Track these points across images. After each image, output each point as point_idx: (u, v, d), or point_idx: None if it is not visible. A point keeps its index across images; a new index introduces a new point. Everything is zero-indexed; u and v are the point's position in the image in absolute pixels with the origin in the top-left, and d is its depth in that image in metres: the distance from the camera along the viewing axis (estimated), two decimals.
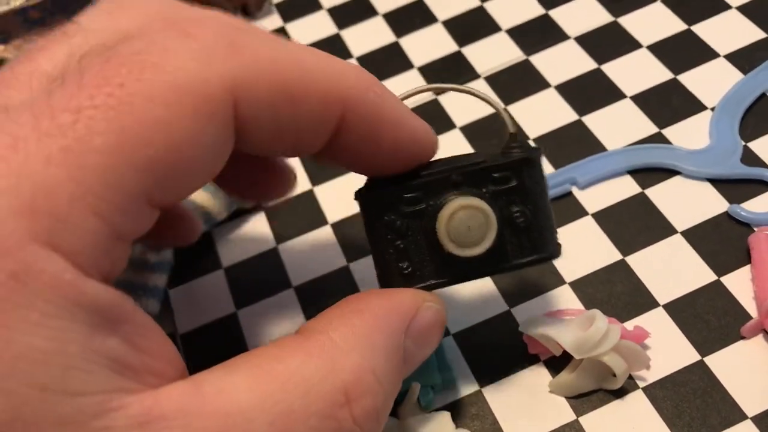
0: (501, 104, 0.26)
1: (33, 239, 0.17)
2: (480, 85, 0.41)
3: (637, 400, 0.29)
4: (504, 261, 0.25)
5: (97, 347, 0.17)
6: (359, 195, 0.25)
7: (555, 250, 0.26)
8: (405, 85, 0.42)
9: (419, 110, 0.40)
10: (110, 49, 0.19)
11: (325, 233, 0.36)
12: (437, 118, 0.40)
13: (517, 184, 0.24)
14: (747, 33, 0.40)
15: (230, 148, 0.21)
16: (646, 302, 0.31)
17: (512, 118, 0.25)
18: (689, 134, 0.36)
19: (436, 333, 0.24)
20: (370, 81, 0.23)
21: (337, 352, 0.20)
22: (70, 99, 0.18)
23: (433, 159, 0.25)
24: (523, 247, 0.25)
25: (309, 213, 0.37)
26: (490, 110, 0.39)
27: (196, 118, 0.19)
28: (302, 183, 0.38)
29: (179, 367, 0.19)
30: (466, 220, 0.24)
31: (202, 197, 0.36)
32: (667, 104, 0.38)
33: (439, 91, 0.26)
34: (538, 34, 0.43)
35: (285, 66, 0.20)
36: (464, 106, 0.40)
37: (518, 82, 0.41)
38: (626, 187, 0.35)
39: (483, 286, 0.33)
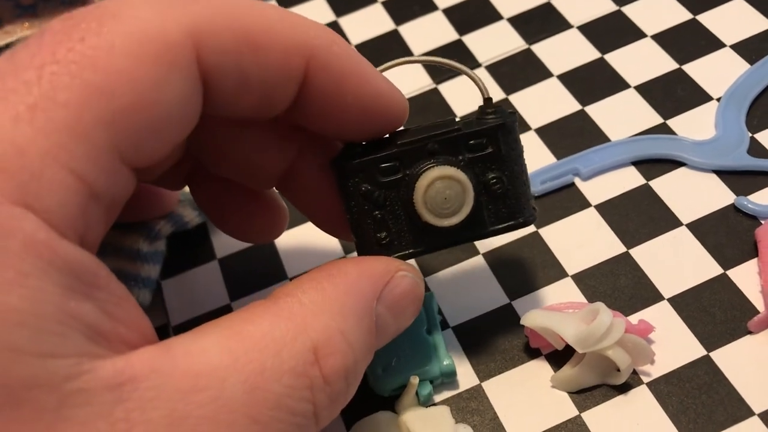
0: (469, 70, 0.26)
1: (5, 198, 0.16)
2: (481, 74, 0.40)
3: (642, 395, 0.28)
4: (481, 227, 0.25)
5: (71, 310, 0.17)
6: (335, 164, 0.25)
7: (531, 216, 0.26)
8: (404, 74, 0.41)
9: (419, 99, 0.39)
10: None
11: None
12: (437, 107, 0.39)
13: (493, 151, 0.24)
14: (753, 23, 0.39)
15: (199, 102, 0.20)
16: (651, 296, 0.30)
17: (484, 85, 0.25)
18: (695, 125, 0.36)
19: (410, 303, 0.24)
20: (334, 35, 0.23)
21: (307, 314, 0.20)
22: (33, 57, 0.18)
23: (407, 127, 0.25)
24: (500, 213, 0.25)
25: None
26: None
27: (158, 66, 0.18)
28: None
29: (152, 341, 0.19)
30: (443, 190, 0.24)
31: None
32: (673, 95, 0.37)
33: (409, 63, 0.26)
34: (540, 22, 0.42)
35: (245, 15, 0.20)
36: (464, 95, 0.39)
37: (520, 71, 0.40)
38: (630, 179, 0.34)
39: (483, 278, 0.32)
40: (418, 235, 0.25)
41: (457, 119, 0.25)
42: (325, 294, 0.21)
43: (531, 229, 0.33)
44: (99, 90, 0.18)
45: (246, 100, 0.22)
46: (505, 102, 0.38)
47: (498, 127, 0.24)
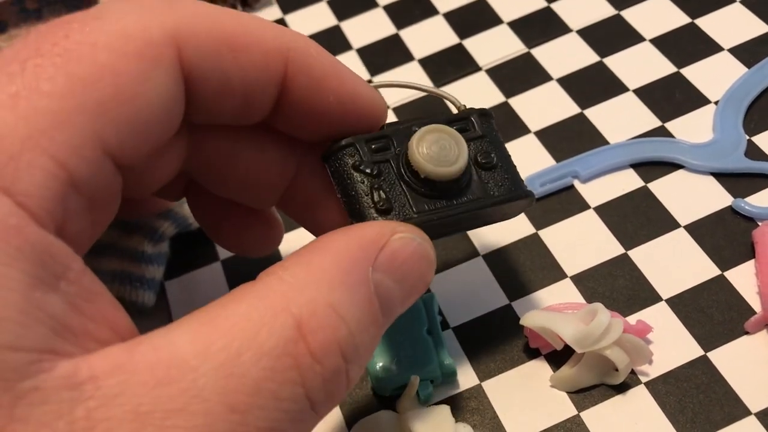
0: (457, 100, 0.27)
1: None
2: (481, 78, 0.40)
3: (640, 395, 0.28)
4: (487, 197, 0.25)
5: (36, 301, 0.16)
6: (326, 152, 0.24)
7: (531, 193, 0.26)
8: (406, 77, 0.41)
9: (415, 106, 0.40)
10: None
11: None
12: (439, 111, 0.39)
13: (482, 133, 0.25)
14: (751, 26, 0.39)
15: (181, 101, 0.21)
16: (649, 296, 0.31)
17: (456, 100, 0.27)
18: (693, 128, 0.36)
19: (415, 265, 0.22)
20: (310, 41, 0.23)
21: (289, 290, 0.19)
22: (18, 53, 0.18)
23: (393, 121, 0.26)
24: (502, 184, 0.25)
25: None
26: (490, 103, 0.39)
27: (140, 61, 0.19)
28: None
29: (128, 339, 0.18)
30: (436, 140, 0.24)
31: None
32: (671, 98, 0.37)
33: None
34: (540, 26, 0.42)
35: (225, 20, 0.21)
36: (464, 100, 0.39)
37: (520, 75, 0.40)
38: (629, 181, 0.35)
39: (483, 279, 0.32)
40: (419, 202, 0.24)
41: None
42: (310, 267, 0.19)
43: (530, 230, 0.34)
44: (82, 80, 0.18)
45: (228, 102, 0.22)
46: (505, 105, 0.39)
47: (478, 112, 0.26)
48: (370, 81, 0.27)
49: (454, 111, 0.27)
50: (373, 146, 0.24)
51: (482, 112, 0.26)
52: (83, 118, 0.18)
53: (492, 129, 0.26)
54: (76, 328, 0.17)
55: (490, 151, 0.25)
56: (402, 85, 0.28)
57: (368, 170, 0.24)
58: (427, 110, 0.39)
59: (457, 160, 0.24)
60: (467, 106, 0.27)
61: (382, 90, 0.40)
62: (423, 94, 0.40)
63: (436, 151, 0.24)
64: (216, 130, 0.25)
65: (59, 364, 0.16)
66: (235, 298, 0.19)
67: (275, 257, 0.35)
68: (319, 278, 0.19)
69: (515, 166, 0.26)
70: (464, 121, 0.25)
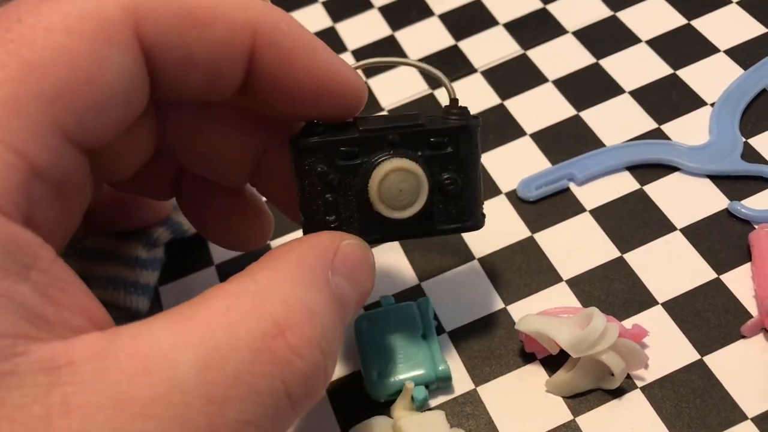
0: (439, 72, 0.26)
1: None
2: (477, 80, 0.40)
3: (636, 400, 0.28)
4: (429, 225, 0.25)
5: (4, 290, 0.16)
6: (293, 142, 0.24)
7: (479, 221, 0.26)
8: (401, 79, 0.41)
9: (414, 105, 0.40)
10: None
11: None
12: (434, 113, 0.39)
13: (453, 152, 0.25)
14: (747, 28, 0.39)
15: (143, 79, 0.20)
16: (645, 300, 0.31)
17: (452, 86, 0.25)
18: (689, 130, 0.36)
19: (363, 268, 0.23)
20: (283, 14, 0.22)
21: (263, 290, 0.19)
22: None
23: (372, 115, 0.25)
24: (450, 214, 0.25)
25: None
26: (485, 105, 0.39)
27: (97, 42, 0.18)
28: None
29: (104, 328, 0.18)
30: (398, 182, 0.24)
31: None
32: (667, 100, 0.37)
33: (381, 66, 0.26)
34: (535, 28, 0.42)
35: None
36: (460, 101, 0.39)
37: (515, 76, 0.40)
38: (625, 184, 0.34)
39: (478, 283, 0.32)
40: (366, 224, 0.25)
41: (423, 115, 0.25)
42: (278, 270, 0.20)
43: (526, 233, 0.34)
44: (37, 66, 0.17)
45: (193, 79, 0.21)
46: (501, 107, 0.39)
47: (460, 129, 0.24)
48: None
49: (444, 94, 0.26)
50: (342, 149, 0.24)
51: (465, 128, 0.25)
52: (40, 105, 0.17)
53: (471, 145, 0.25)
54: (50, 316, 0.17)
55: (458, 176, 0.25)
56: (387, 62, 0.27)
57: (330, 180, 0.24)
58: (425, 112, 0.39)
59: (413, 204, 0.24)
60: (457, 97, 0.25)
61: (382, 90, 0.40)
62: (421, 94, 0.40)
63: (394, 194, 0.24)
64: (185, 107, 0.24)
65: (34, 348, 0.16)
66: (211, 295, 0.19)
67: None
68: (288, 280, 0.20)
69: (479, 189, 0.26)
70: (445, 135, 0.25)
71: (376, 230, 0.25)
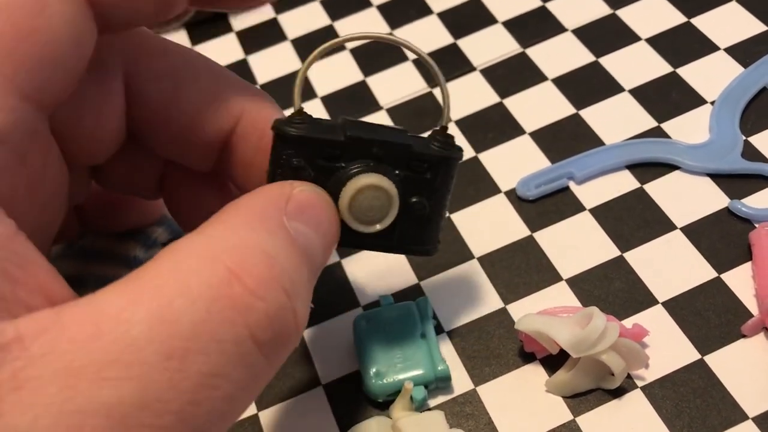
0: (446, 89, 0.25)
1: None
2: (476, 78, 0.40)
3: (636, 399, 0.28)
4: (388, 242, 0.25)
5: None
6: (278, 128, 0.23)
7: (434, 248, 0.26)
8: (400, 78, 0.41)
9: (413, 104, 0.40)
10: None
11: None
12: (432, 112, 0.39)
13: (430, 178, 0.25)
14: (747, 26, 0.39)
15: (88, 16, 0.19)
16: (645, 299, 0.30)
17: (449, 110, 0.25)
18: (689, 128, 0.36)
19: (320, 210, 0.22)
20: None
21: (213, 241, 0.18)
22: None
23: (362, 120, 0.25)
24: (409, 235, 0.25)
25: None
26: (484, 104, 0.39)
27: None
28: None
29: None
30: (371, 198, 0.23)
31: None
32: (667, 98, 0.37)
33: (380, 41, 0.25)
34: (535, 26, 0.42)
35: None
36: (458, 100, 0.39)
37: (515, 74, 0.40)
38: (625, 182, 0.34)
39: (478, 282, 0.32)
40: None
41: (410, 134, 0.25)
42: (228, 223, 0.19)
43: (526, 232, 0.33)
44: None
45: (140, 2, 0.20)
46: (500, 106, 0.38)
47: (443, 159, 0.24)
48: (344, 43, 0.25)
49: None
50: (325, 150, 0.23)
51: (447, 159, 0.25)
52: None
53: (448, 177, 0.25)
54: (6, 294, 0.16)
55: (428, 201, 0.25)
56: (364, 37, 0.25)
57: (304, 176, 0.23)
58: (423, 110, 0.39)
59: (380, 222, 0.24)
60: (447, 125, 0.25)
61: (380, 88, 0.40)
62: (418, 94, 0.40)
63: (364, 209, 0.23)
64: (152, 82, 0.24)
65: None
66: (161, 257, 0.18)
67: None
68: (240, 228, 0.19)
69: (443, 218, 0.26)
70: (426, 162, 0.24)
71: (343, 235, 0.24)
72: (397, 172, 0.24)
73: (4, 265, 0.16)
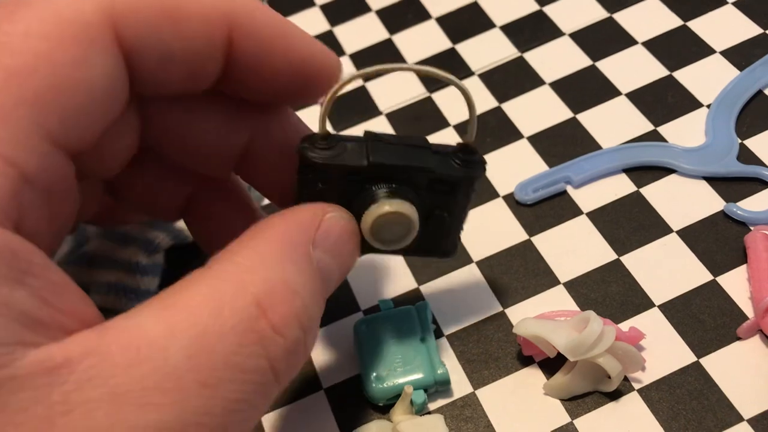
0: (472, 102, 0.25)
1: None
2: (474, 83, 0.40)
3: (633, 402, 0.28)
4: (407, 249, 0.26)
5: (3, 297, 0.16)
6: (302, 153, 0.24)
7: (453, 251, 0.27)
8: (398, 82, 0.41)
9: (412, 108, 0.40)
10: None
11: None
12: (431, 116, 0.39)
13: (450, 195, 0.25)
14: (743, 29, 0.39)
15: (124, 79, 0.20)
16: (642, 303, 0.31)
17: (475, 126, 0.25)
18: (685, 132, 0.36)
19: (347, 241, 0.23)
20: (255, 3, 0.23)
21: (244, 271, 0.20)
22: None
23: (385, 134, 0.25)
24: (430, 243, 0.26)
25: None
26: (482, 108, 0.39)
27: (76, 46, 0.19)
28: None
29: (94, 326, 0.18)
30: (392, 223, 0.24)
31: None
32: (663, 101, 0.37)
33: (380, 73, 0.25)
34: (532, 30, 0.42)
35: None
36: (458, 104, 0.39)
37: (512, 79, 0.40)
38: (621, 186, 0.35)
39: (477, 286, 0.33)
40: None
41: (432, 148, 0.25)
42: (258, 250, 0.20)
43: (523, 236, 0.34)
44: (18, 72, 0.18)
45: (173, 74, 0.21)
46: (498, 110, 0.39)
47: (465, 179, 0.25)
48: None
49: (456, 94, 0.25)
50: (347, 177, 0.24)
51: (471, 177, 0.25)
52: (24, 111, 0.18)
53: (470, 191, 0.26)
54: (46, 320, 0.17)
55: (450, 215, 0.26)
56: (393, 69, 0.26)
57: (328, 198, 0.24)
58: (422, 115, 0.39)
59: (401, 242, 0.25)
60: (472, 140, 0.25)
61: (380, 94, 0.40)
62: (419, 98, 0.40)
63: (386, 233, 0.24)
64: (167, 101, 0.24)
65: (32, 352, 0.16)
66: (193, 281, 0.19)
67: None
68: (268, 259, 0.20)
69: (462, 226, 0.27)
70: (451, 185, 0.25)
71: (362, 247, 0.25)
72: (418, 191, 0.25)
73: (43, 294, 0.17)
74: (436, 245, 0.27)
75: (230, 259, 0.20)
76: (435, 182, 0.25)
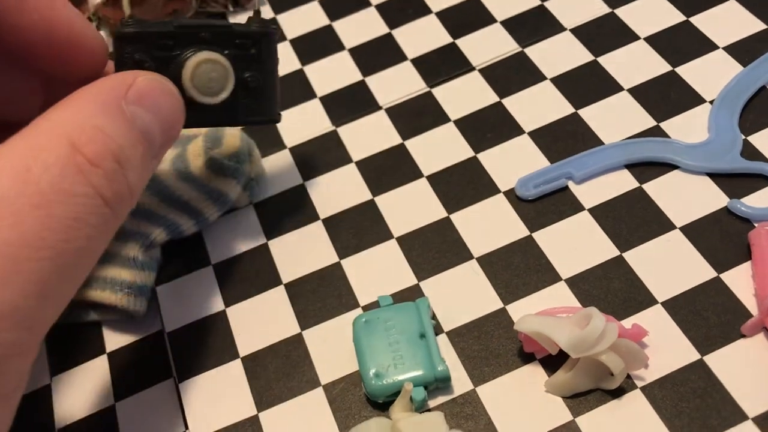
0: None
1: None
2: (475, 78, 0.40)
3: (636, 400, 0.28)
4: (236, 115, 0.30)
5: None
6: (116, 30, 0.28)
7: (277, 116, 0.31)
8: (399, 77, 0.41)
9: (412, 103, 0.39)
10: None
11: (315, 229, 0.35)
12: (431, 110, 0.39)
13: (255, 53, 0.29)
14: (746, 24, 0.39)
15: None
16: (645, 299, 0.30)
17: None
18: (688, 128, 0.36)
19: (159, 96, 0.26)
20: None
21: (57, 123, 0.22)
22: None
23: (185, 17, 0.30)
24: (253, 108, 0.30)
25: (299, 208, 0.36)
26: (483, 104, 0.39)
27: None
28: (293, 178, 0.38)
29: None
30: (209, 71, 0.28)
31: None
32: (666, 97, 0.37)
33: None
34: (533, 25, 0.42)
35: None
36: (458, 100, 0.39)
37: (513, 74, 0.40)
38: (624, 182, 0.34)
39: (477, 282, 0.32)
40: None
41: (232, 23, 0.29)
42: (70, 107, 0.23)
43: (525, 233, 0.33)
44: None
45: None
46: (499, 105, 0.38)
47: (263, 34, 0.29)
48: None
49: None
50: (157, 42, 0.27)
51: (266, 34, 0.29)
52: None
53: (271, 50, 0.30)
54: None
55: (259, 75, 0.29)
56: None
57: (147, 67, 0.27)
58: (423, 110, 0.39)
59: (222, 92, 0.28)
60: (259, 9, 0.31)
61: (380, 88, 0.40)
62: (417, 94, 0.40)
63: (205, 81, 0.28)
64: None
65: None
66: (15, 137, 0.22)
67: (270, 263, 0.35)
68: (80, 111, 0.23)
69: (277, 91, 0.31)
70: (249, 37, 0.29)
71: (190, 116, 0.28)
72: (225, 51, 0.28)
73: None
74: (258, 110, 0.30)
75: (46, 117, 0.23)
76: (238, 42, 0.29)
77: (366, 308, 0.32)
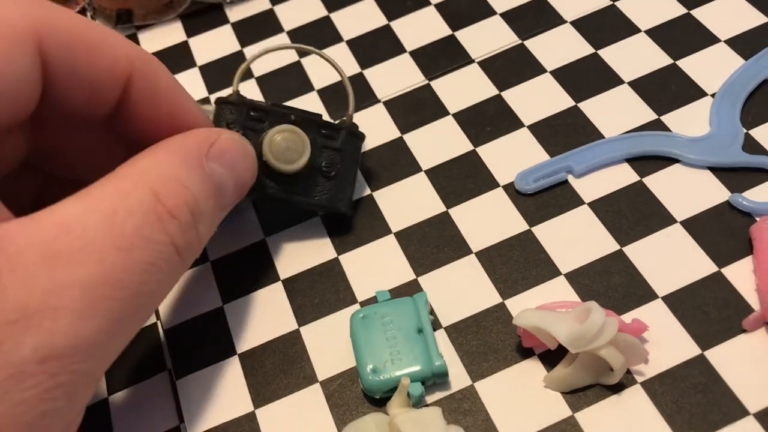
0: (350, 90, 0.34)
1: None
2: (474, 71, 0.40)
3: (636, 395, 0.28)
4: (309, 196, 0.32)
5: None
6: (219, 98, 0.32)
7: (349, 209, 0.33)
8: (397, 70, 0.41)
9: (411, 96, 0.39)
10: None
11: (314, 225, 0.35)
12: (429, 104, 0.39)
13: (338, 145, 0.33)
14: (748, 17, 0.39)
15: (38, 81, 0.24)
16: (645, 294, 0.30)
17: (353, 101, 0.34)
18: (689, 121, 0.35)
19: (240, 156, 0.28)
20: (155, 58, 0.28)
21: (142, 172, 0.24)
22: None
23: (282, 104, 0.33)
24: (327, 194, 0.32)
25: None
26: (482, 96, 0.38)
27: (4, 43, 0.22)
28: None
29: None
30: (286, 140, 0.30)
31: None
32: (667, 90, 0.37)
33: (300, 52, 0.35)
34: (533, 17, 0.41)
35: (83, 23, 0.25)
36: (457, 93, 0.39)
37: (513, 67, 0.39)
38: (624, 176, 0.34)
39: (476, 277, 0.32)
40: (257, 181, 0.30)
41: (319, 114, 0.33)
42: (156, 157, 0.25)
43: (524, 227, 0.33)
44: None
45: (77, 94, 0.25)
46: (498, 98, 0.38)
47: (348, 129, 0.33)
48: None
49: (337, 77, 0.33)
50: (251, 114, 0.32)
51: (352, 131, 0.33)
52: None
53: (354, 147, 0.33)
54: None
55: (338, 165, 0.32)
56: (278, 48, 0.34)
57: (236, 129, 0.31)
58: (421, 103, 0.39)
59: (296, 162, 0.31)
60: (352, 117, 0.34)
61: (378, 81, 0.40)
62: (416, 86, 0.39)
63: (282, 149, 0.30)
64: (60, 124, 0.28)
65: None
66: (102, 181, 0.24)
67: (268, 260, 0.34)
68: (165, 163, 0.25)
69: (353, 187, 0.33)
70: (335, 131, 0.33)
71: (267, 183, 0.31)
72: (310, 136, 0.31)
73: None
74: (332, 198, 0.32)
75: (132, 164, 0.25)
76: (323, 131, 0.32)
77: (364, 304, 0.32)
